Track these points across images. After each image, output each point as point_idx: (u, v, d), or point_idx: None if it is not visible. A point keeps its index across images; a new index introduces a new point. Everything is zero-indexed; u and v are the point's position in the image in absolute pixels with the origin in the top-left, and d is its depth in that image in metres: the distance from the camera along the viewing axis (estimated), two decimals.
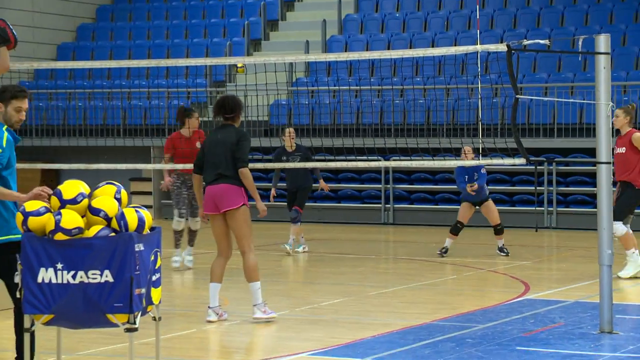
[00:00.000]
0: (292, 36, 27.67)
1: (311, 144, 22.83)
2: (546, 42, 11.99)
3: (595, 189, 11.74)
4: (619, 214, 13.47)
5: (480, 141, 15.94)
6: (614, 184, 13.24)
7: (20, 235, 7.48)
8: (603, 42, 10.46)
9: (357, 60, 24.20)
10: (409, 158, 20.72)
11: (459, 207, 22.43)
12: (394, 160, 18.95)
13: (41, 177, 25.11)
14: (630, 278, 13.92)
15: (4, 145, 7.45)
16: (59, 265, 7.15)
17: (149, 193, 24.49)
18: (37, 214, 7.22)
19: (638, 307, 12.15)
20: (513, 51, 11.20)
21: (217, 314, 10.95)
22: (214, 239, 11.05)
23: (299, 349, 9.88)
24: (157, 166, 21.27)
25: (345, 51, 24.93)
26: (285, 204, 17.62)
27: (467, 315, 11.61)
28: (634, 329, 10.70)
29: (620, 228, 13.81)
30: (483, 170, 16.77)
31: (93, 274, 7.16)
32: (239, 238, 10.95)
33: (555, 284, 14.05)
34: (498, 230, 16.86)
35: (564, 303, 12.33)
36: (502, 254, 16.83)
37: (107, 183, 7.60)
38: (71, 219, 7.18)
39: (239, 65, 24.99)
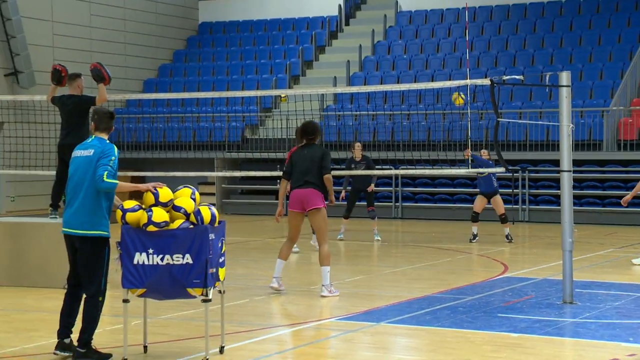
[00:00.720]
0: (323, 73, 27.72)
1: (338, 156, 22.95)
2: (520, 77, 11.96)
3: (559, 191, 11.68)
4: None
5: (470, 153, 15.91)
6: None
7: (107, 232, 7.54)
8: (565, 77, 10.52)
9: (374, 92, 24.26)
10: (413, 167, 20.70)
11: (453, 205, 22.71)
12: (402, 169, 18.91)
13: (131, 182, 25.23)
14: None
15: (117, 155, 7.58)
16: (150, 250, 7.29)
17: (213, 194, 24.56)
18: (133, 210, 7.37)
19: (593, 283, 12.07)
20: (495, 84, 11.18)
21: (278, 284, 11.09)
22: (289, 228, 11.16)
23: (327, 316, 9.90)
24: (219, 174, 21.39)
25: (364, 85, 24.95)
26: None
27: (459, 289, 11.60)
28: (589, 300, 10.65)
29: None
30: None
31: (177, 257, 7.32)
32: (318, 232, 11.12)
33: (528, 265, 14.01)
34: (503, 219, 16.81)
35: (534, 280, 12.29)
36: (506, 240, 16.80)
37: (184, 187, 7.70)
38: (160, 214, 7.34)
39: (282, 95, 25.01)
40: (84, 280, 7.57)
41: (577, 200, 20.52)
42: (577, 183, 20.61)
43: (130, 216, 7.36)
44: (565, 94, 10.42)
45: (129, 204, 7.44)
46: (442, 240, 17.88)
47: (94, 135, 7.75)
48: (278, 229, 19.53)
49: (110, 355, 7.57)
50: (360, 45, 27.68)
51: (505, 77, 11.80)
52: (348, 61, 26.99)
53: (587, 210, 21.19)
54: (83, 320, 7.50)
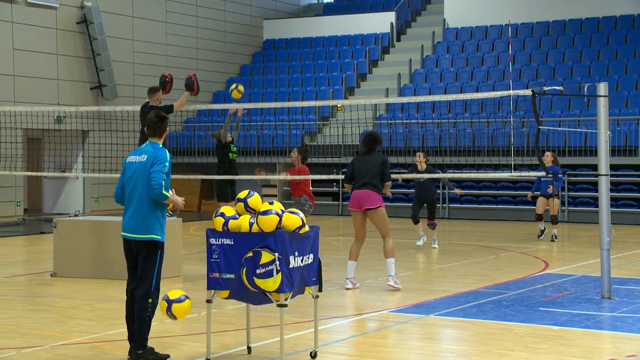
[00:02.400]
0: (376, 85, 27.67)
1: (389, 161, 22.83)
2: (560, 88, 11.78)
3: (596, 193, 11.48)
4: None
5: (513, 159, 15.76)
6: None
7: (159, 236, 7.25)
8: (602, 88, 10.35)
9: (423, 102, 24.15)
10: (460, 171, 20.62)
11: (496, 206, 22.52)
12: (449, 172, 18.80)
13: (201, 184, 25.51)
14: None
15: (170, 160, 7.29)
16: (296, 253, 6.93)
17: (275, 196, 24.59)
18: (234, 217, 7.04)
19: (630, 279, 11.84)
20: (536, 95, 11.01)
21: (352, 283, 11.02)
22: (355, 228, 11.08)
23: (381, 308, 9.84)
24: (281, 177, 21.38)
25: (414, 95, 24.84)
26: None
27: (502, 284, 11.47)
28: (627, 295, 10.45)
29: None
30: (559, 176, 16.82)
31: (307, 257, 7.07)
32: (380, 228, 11.03)
33: (568, 262, 13.81)
34: (553, 220, 16.67)
35: (574, 276, 12.09)
36: (552, 239, 16.66)
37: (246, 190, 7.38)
38: (295, 220, 6.96)
39: (339, 105, 24.97)
40: (137, 281, 7.26)
41: (614, 202, 20.17)
42: (614, 186, 20.30)
43: (232, 223, 7.00)
44: (602, 104, 10.26)
45: (229, 211, 7.09)
46: (486, 238, 17.70)
47: (148, 141, 7.44)
48: (335, 228, 19.51)
49: (167, 356, 7.26)
50: (410, 60, 27.58)
51: (545, 88, 11.64)
52: (399, 74, 26.91)
53: (624, 212, 20.88)
54: (135, 322, 7.18)
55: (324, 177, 17.12)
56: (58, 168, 23.71)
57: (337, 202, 24.38)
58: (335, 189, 24.48)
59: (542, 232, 16.97)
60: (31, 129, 22.90)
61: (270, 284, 6.75)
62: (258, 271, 6.76)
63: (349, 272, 11.06)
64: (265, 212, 6.85)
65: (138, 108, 13.18)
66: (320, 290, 7.21)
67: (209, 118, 27.15)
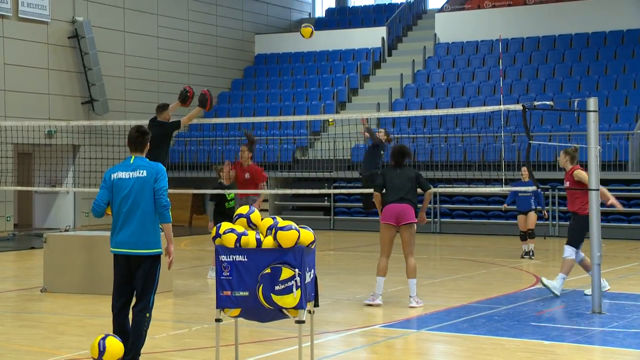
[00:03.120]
0: (367, 100, 27.73)
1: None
2: (550, 103, 11.85)
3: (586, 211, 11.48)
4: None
5: (504, 173, 15.79)
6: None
7: (161, 250, 7.24)
8: (592, 103, 10.41)
9: (414, 117, 24.21)
10: (451, 185, 20.66)
11: (488, 220, 22.51)
12: (440, 187, 18.82)
13: (192, 198, 25.48)
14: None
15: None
16: (307, 268, 6.87)
17: (267, 210, 24.55)
18: (245, 234, 6.91)
19: (620, 294, 11.83)
20: (527, 109, 11.05)
21: (374, 299, 10.80)
22: (382, 243, 10.89)
23: (372, 323, 9.81)
24: (272, 191, 21.40)
25: (405, 110, 24.88)
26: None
27: (494, 299, 11.47)
28: (617, 310, 10.46)
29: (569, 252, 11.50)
30: (538, 191, 15.47)
31: (311, 273, 6.99)
32: (409, 245, 10.89)
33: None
34: (529, 234, 16.17)
35: (564, 291, 12.06)
36: (527, 256, 16.17)
37: (243, 206, 7.41)
38: (309, 236, 6.90)
39: (330, 120, 24.99)
40: (137, 295, 7.22)
41: (604, 216, 20.15)
42: (604, 201, 20.27)
43: (244, 239, 6.90)
44: (592, 119, 10.30)
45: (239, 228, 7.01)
46: (478, 253, 17.70)
47: (134, 156, 7.34)
48: (327, 242, 19.49)
49: None
50: (402, 74, 27.66)
51: (536, 103, 11.70)
52: (390, 89, 26.98)
53: (614, 226, 20.87)
54: (131, 336, 7.15)
55: (316, 191, 17.14)
56: (49, 183, 23.65)
57: (328, 217, 24.37)
58: (326, 203, 24.46)
59: (527, 253, 16.25)
60: (22, 144, 22.82)
61: (289, 300, 6.70)
62: (277, 287, 6.68)
63: (379, 289, 10.83)
64: (285, 228, 6.78)
65: (130, 123, 13.19)
66: (316, 305, 7.16)
67: (200, 132, 27.14)
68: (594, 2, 27.41)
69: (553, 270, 15.26)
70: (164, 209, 7.19)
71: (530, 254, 16.22)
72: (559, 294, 11.42)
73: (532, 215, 16.31)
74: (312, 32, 12.08)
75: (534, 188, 14.33)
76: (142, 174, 7.22)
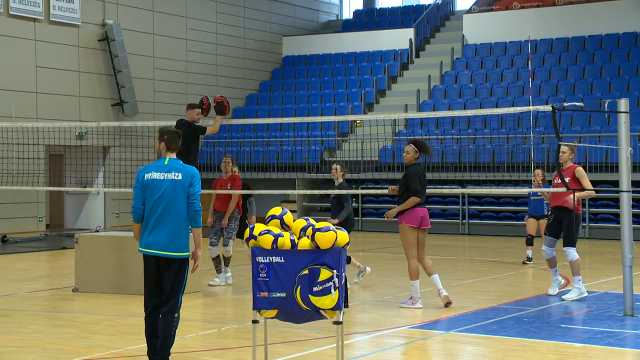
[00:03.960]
0: (395, 101, 27.67)
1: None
2: (580, 104, 11.72)
3: (618, 210, 11.37)
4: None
5: (533, 175, 15.66)
6: (551, 212, 11.58)
7: (189, 253, 7.26)
8: (623, 104, 10.31)
9: (442, 118, 24.14)
10: (479, 187, 20.56)
11: (517, 222, 22.33)
12: (469, 188, 18.74)
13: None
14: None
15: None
16: (342, 270, 6.82)
17: (294, 211, 24.58)
18: (281, 235, 6.89)
19: None
20: (556, 110, 10.96)
21: (414, 302, 10.80)
22: (410, 245, 10.70)
23: (401, 324, 9.79)
24: (301, 192, 21.43)
25: (433, 111, 24.80)
26: None
27: (523, 301, 11.40)
28: None
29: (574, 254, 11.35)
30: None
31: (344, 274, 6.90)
32: (424, 246, 10.88)
33: (589, 279, 13.65)
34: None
35: (596, 293, 11.99)
36: (531, 262, 15.45)
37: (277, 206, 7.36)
38: (344, 237, 6.85)
39: (358, 121, 25.02)
40: (166, 296, 7.19)
41: (636, 218, 20.00)
42: (636, 202, 20.11)
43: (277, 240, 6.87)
44: (623, 120, 10.19)
45: (274, 230, 6.96)
46: (507, 254, 17.59)
47: (168, 157, 7.33)
48: (355, 243, 19.45)
49: None
50: (430, 76, 27.58)
51: (565, 104, 11.56)
52: (418, 90, 26.89)
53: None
54: (160, 336, 7.14)
55: (344, 192, 17.06)
56: (79, 183, 23.81)
57: (356, 218, 24.33)
58: (354, 204, 24.42)
59: (530, 259, 15.53)
60: (53, 145, 23.01)
61: (328, 302, 6.67)
62: (315, 289, 6.66)
63: (417, 292, 10.75)
64: (322, 229, 6.75)
65: (159, 124, 13.18)
66: (346, 306, 7.13)
67: (228, 134, 27.22)
68: (624, 3, 27.16)
69: (584, 272, 15.09)
70: (197, 214, 7.22)
71: (527, 258, 15.47)
72: (587, 293, 11.32)
73: (544, 223, 14.84)
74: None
75: (547, 191, 14.17)
76: (177, 176, 7.20)
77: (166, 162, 7.30)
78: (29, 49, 22.86)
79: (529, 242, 15.64)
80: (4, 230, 21.75)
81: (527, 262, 15.64)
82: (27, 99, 22.73)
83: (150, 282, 7.26)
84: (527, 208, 16.16)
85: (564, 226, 11.35)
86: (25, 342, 8.85)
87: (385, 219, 11.34)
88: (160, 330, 7.14)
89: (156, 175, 7.23)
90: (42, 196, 23.19)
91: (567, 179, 11.13)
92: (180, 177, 7.20)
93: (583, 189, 11.39)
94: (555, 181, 11.55)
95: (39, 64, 23.13)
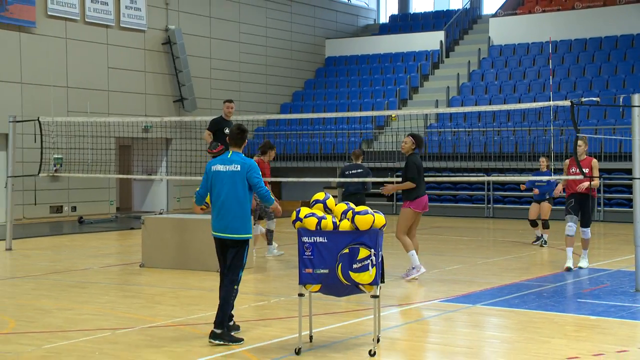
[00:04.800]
0: (427, 97, 27.52)
1: (439, 166, 22.73)
2: (597, 99, 11.58)
3: (630, 195, 11.22)
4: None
5: (553, 164, 15.50)
6: (570, 196, 11.74)
7: (249, 235, 7.39)
8: (637, 99, 10.17)
9: (470, 112, 23.94)
10: (503, 175, 20.40)
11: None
12: (494, 176, 18.59)
13: (271, 187, 25.56)
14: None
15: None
16: (380, 248, 6.84)
17: (335, 197, 24.54)
18: (324, 218, 6.92)
19: None
20: (574, 105, 10.84)
21: (417, 269, 10.96)
22: (407, 225, 10.89)
23: (432, 298, 9.77)
24: (341, 180, 21.39)
25: (462, 106, 24.61)
26: None
27: (543, 277, 11.32)
28: None
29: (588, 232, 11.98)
30: (552, 181, 14.73)
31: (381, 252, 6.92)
32: (416, 227, 11.10)
33: (604, 258, 13.54)
34: (544, 224, 15.03)
35: (609, 271, 11.87)
36: (539, 241, 15.11)
37: (320, 192, 7.46)
38: (381, 220, 6.84)
39: (393, 115, 24.93)
40: (228, 270, 7.42)
41: None
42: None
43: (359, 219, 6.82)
44: (637, 113, 10.03)
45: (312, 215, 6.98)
46: (527, 236, 17.42)
47: (232, 151, 7.52)
48: (390, 226, 19.42)
49: (241, 340, 7.30)
50: (458, 74, 27.38)
51: (583, 99, 11.45)
52: (448, 87, 26.73)
53: None
54: (220, 301, 7.34)
55: (380, 179, 17.07)
56: (145, 172, 24.09)
57: (391, 202, 24.27)
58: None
59: (539, 238, 15.23)
60: (122, 137, 23.28)
61: (366, 277, 6.69)
62: (354, 266, 6.68)
63: (417, 260, 10.94)
64: (361, 212, 6.77)
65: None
66: (383, 281, 7.15)
67: (277, 127, 27.30)
68: (638, 7, 26.73)
69: (598, 252, 14.98)
70: (265, 197, 7.44)
71: (542, 242, 15.09)
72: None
73: (546, 206, 15.05)
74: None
75: (550, 177, 14.16)
76: (237, 168, 7.39)
77: (229, 156, 7.50)
78: (101, 52, 23.11)
79: (534, 224, 15.34)
80: (81, 212, 22.08)
81: (535, 243, 15.34)
82: (100, 97, 23.00)
83: (219, 258, 7.56)
84: (552, 195, 15.69)
85: (583, 209, 11.75)
86: (99, 310, 9.00)
87: (381, 191, 11.37)
88: (221, 297, 7.36)
89: (220, 168, 7.46)
90: (113, 183, 23.47)
91: (586, 170, 11.41)
92: (239, 169, 7.39)
93: (594, 177, 11.63)
94: (572, 170, 11.65)
95: (110, 65, 23.37)
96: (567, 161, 11.96)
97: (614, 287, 10.34)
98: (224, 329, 7.27)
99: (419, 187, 10.84)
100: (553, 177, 14.39)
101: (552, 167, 15.98)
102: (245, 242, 7.44)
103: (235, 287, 7.41)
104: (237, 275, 7.41)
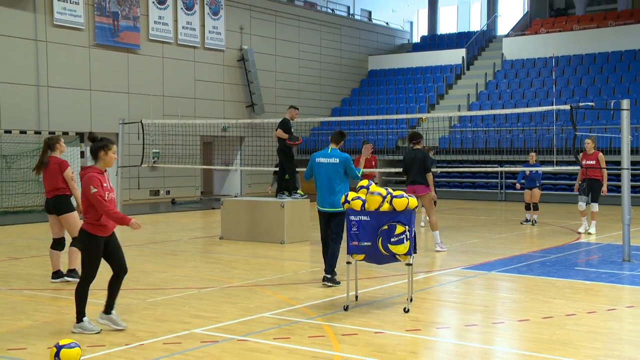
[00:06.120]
0: (451, 102, 27.22)
1: (461, 158, 22.47)
2: (591, 103, 11.39)
3: (619, 183, 10.97)
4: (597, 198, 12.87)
5: (555, 157, 15.22)
6: (583, 180, 12.86)
7: (343, 209, 7.60)
8: (625, 103, 9.95)
9: (487, 115, 23.59)
10: (514, 166, 20.07)
11: (544, 192, 21.59)
12: (506, 167, 18.32)
13: None
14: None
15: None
16: (413, 225, 6.76)
17: (377, 183, 24.45)
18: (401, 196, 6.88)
19: None
20: (573, 109, 10.63)
21: (441, 247, 10.93)
22: (434, 207, 11.03)
23: (454, 266, 9.70)
24: (383, 170, 21.34)
25: (480, 110, 24.31)
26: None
27: (546, 250, 11.14)
28: None
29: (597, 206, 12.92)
30: (540, 171, 14.70)
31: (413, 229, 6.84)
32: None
33: (596, 234, 13.27)
34: (534, 207, 14.71)
35: (601, 244, 11.64)
36: (532, 224, 14.63)
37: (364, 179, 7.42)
38: (414, 202, 6.74)
39: (423, 117, 24.67)
40: (334, 236, 7.97)
41: (633, 189, 19.25)
42: (633, 177, 19.33)
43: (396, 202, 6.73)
44: (625, 115, 9.83)
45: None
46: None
47: (332, 146, 8.12)
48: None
49: (338, 283, 7.96)
50: (477, 84, 27.04)
51: (580, 104, 11.23)
52: (468, 94, 26.41)
53: (636, 196, 19.87)
54: (329, 257, 8.02)
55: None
56: (223, 163, 24.32)
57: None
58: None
59: (528, 220, 14.91)
60: (205, 136, 23.55)
61: (402, 249, 6.67)
62: (392, 240, 6.65)
63: (439, 238, 10.95)
64: (398, 196, 6.74)
65: (279, 121, 13.34)
66: (415, 252, 7.12)
67: (329, 127, 27.29)
68: (626, 28, 26.10)
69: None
70: (356, 176, 8.03)
71: (533, 221, 14.66)
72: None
73: (536, 191, 14.79)
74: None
75: (538, 169, 14.06)
76: (335, 160, 8.04)
77: (329, 151, 8.14)
78: (190, 67, 23.37)
79: (527, 207, 15.04)
80: (173, 195, 22.42)
81: (525, 223, 14.95)
82: (188, 103, 23.28)
83: (321, 228, 8.14)
84: (540, 182, 15.24)
85: (592, 190, 12.74)
86: (187, 273, 9.14)
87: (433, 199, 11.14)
88: (329, 253, 8.04)
89: (322, 160, 8.12)
90: (198, 172, 23.78)
91: (592, 162, 12.47)
92: (337, 161, 8.03)
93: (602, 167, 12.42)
94: (584, 161, 12.52)
95: (196, 78, 23.63)
96: (581, 154, 12.72)
97: (605, 258, 10.14)
98: (332, 274, 7.97)
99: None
100: (541, 168, 14.39)
101: (555, 160, 15.67)
102: (343, 213, 7.84)
103: (339, 242, 7.99)
104: (340, 237, 7.98)
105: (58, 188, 8.12)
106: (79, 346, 5.11)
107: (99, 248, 5.96)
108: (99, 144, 6.06)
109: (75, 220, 8.20)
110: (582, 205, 13.07)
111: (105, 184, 5.95)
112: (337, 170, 7.95)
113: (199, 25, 23.52)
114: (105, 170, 6.09)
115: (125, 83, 21.46)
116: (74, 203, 8.40)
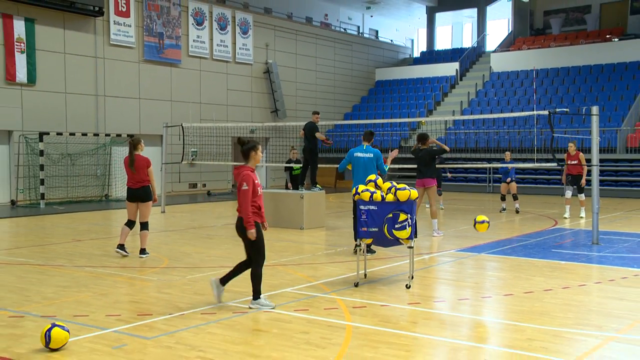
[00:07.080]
0: (446, 108, 27.06)
1: (455, 156, 22.38)
2: (566, 110, 11.24)
3: (590, 177, 10.86)
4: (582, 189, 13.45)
5: (535, 155, 15.13)
6: (568, 175, 13.38)
7: None
8: (595, 110, 9.87)
9: (477, 119, 23.45)
10: (501, 163, 19.90)
11: (525, 185, 21.54)
12: (493, 163, 18.20)
13: (336, 170, 25.48)
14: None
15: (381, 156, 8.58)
16: (414, 214, 6.75)
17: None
18: (374, 192, 6.86)
19: (611, 232, 11.19)
20: (551, 114, 10.56)
21: (438, 233, 10.85)
22: (436, 197, 11.24)
23: (449, 249, 9.68)
24: (392, 166, 21.37)
25: (471, 115, 24.15)
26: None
27: (526, 235, 11.10)
28: (608, 242, 9.94)
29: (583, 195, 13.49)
30: (512, 167, 14.75)
31: (414, 217, 6.82)
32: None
33: (570, 221, 13.19)
34: (514, 197, 14.78)
35: (574, 230, 11.56)
36: (505, 211, 14.82)
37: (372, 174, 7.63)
38: (415, 194, 6.71)
39: (422, 121, 24.61)
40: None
41: (601, 182, 19.09)
42: (601, 173, 19.17)
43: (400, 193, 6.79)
44: (595, 120, 9.76)
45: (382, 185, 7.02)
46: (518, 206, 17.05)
47: (365, 144, 8.47)
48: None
49: (374, 251, 8.38)
50: (468, 92, 26.87)
51: (557, 110, 11.13)
52: (461, 101, 26.26)
53: (607, 189, 19.70)
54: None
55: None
56: None
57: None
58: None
59: (504, 209, 14.92)
60: (236, 137, 23.57)
61: (404, 234, 6.66)
62: (396, 226, 6.65)
63: (437, 225, 10.90)
64: (401, 189, 6.73)
65: (299, 124, 13.32)
66: (416, 237, 7.14)
67: (342, 129, 27.25)
68: (595, 46, 25.84)
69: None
70: (384, 171, 8.55)
71: (517, 210, 14.57)
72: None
73: (513, 184, 14.87)
74: (487, 227, 9.13)
75: (511, 165, 14.08)
76: (370, 155, 8.43)
77: (364, 147, 8.53)
78: (222, 78, 23.44)
79: (503, 198, 15.10)
80: (209, 187, 22.54)
81: (502, 212, 14.91)
82: (222, 109, 23.37)
83: (355, 215, 7.92)
84: (514, 176, 15.16)
85: (577, 184, 13.37)
86: (221, 254, 9.19)
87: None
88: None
89: (358, 154, 8.52)
90: (230, 167, 23.87)
91: (575, 162, 13.08)
92: (371, 156, 8.42)
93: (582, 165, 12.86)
94: (569, 161, 13.13)
95: (228, 88, 23.70)
96: (565, 155, 13.35)
97: (577, 241, 10.10)
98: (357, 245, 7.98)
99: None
100: (515, 165, 14.42)
101: (535, 157, 15.56)
102: None
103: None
104: None
105: (144, 180, 8.54)
106: (68, 331, 4.71)
107: (262, 233, 5.88)
108: (249, 146, 5.84)
109: (150, 207, 8.64)
110: (568, 193, 13.46)
111: (256, 181, 5.82)
112: (372, 163, 8.40)
113: (231, 42, 23.58)
114: (255, 168, 5.94)
115: (168, 92, 21.59)
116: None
